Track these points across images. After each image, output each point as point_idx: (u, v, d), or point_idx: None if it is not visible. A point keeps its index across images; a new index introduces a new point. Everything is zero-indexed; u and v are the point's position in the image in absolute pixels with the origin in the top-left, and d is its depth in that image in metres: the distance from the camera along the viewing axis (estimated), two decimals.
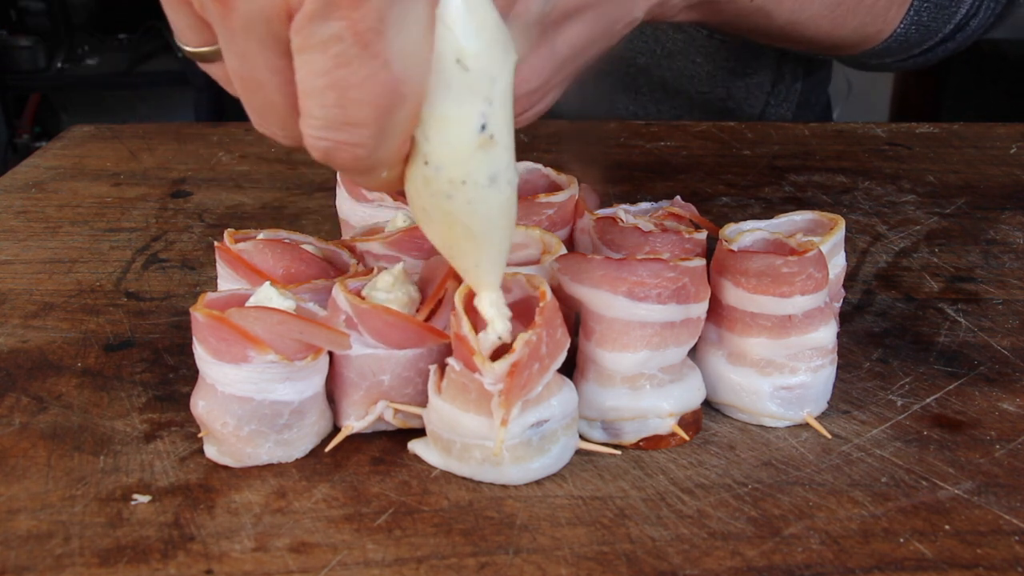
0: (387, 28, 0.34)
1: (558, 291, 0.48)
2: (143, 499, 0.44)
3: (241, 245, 0.53)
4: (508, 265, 0.49)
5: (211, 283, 0.64)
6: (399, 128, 0.37)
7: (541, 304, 0.43)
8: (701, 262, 0.47)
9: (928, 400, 0.52)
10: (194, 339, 0.46)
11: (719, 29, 0.77)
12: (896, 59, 0.86)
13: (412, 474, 0.46)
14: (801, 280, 0.48)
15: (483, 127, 0.37)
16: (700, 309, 0.48)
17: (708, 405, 0.51)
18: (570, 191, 0.58)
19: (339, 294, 0.46)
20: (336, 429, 0.49)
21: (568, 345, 0.45)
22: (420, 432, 0.47)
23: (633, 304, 0.46)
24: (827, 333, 0.49)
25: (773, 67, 0.97)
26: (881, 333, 0.59)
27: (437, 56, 0.36)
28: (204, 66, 0.42)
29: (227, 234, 0.53)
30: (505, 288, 0.46)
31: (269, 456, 0.46)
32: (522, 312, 0.46)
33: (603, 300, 0.46)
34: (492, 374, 0.42)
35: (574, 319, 0.49)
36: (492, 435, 0.44)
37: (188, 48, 0.41)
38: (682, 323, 0.47)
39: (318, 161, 0.39)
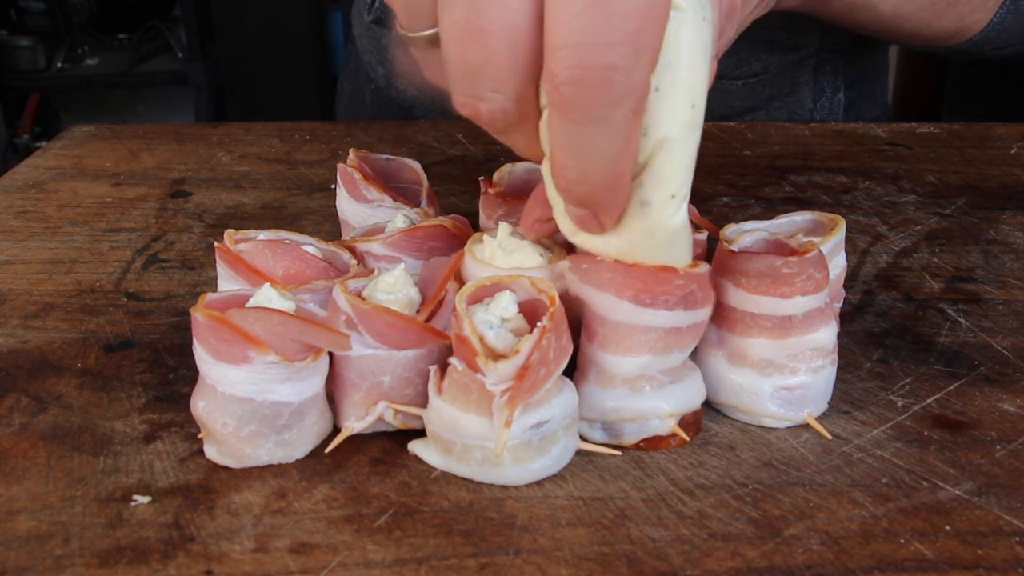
0: None
1: (564, 294, 0.47)
2: (143, 500, 0.44)
3: (241, 246, 0.53)
4: (513, 269, 0.49)
5: (211, 283, 0.64)
6: (651, 50, 0.38)
7: (551, 309, 0.43)
8: (706, 268, 0.47)
9: (928, 400, 0.52)
10: (194, 340, 0.46)
11: (825, 20, 0.78)
12: (993, 47, 0.86)
13: (412, 475, 0.46)
14: (801, 281, 0.48)
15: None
16: (705, 312, 0.47)
17: (708, 406, 0.51)
18: None
19: (339, 295, 0.46)
20: (336, 430, 0.49)
21: (572, 351, 0.45)
22: (420, 433, 0.47)
23: (639, 310, 0.45)
24: (827, 333, 0.49)
25: (811, 83, 0.97)
26: (881, 333, 0.59)
27: None
28: (415, 49, 0.44)
29: (227, 235, 0.53)
30: (511, 291, 0.46)
31: (269, 457, 0.46)
32: (527, 315, 0.46)
33: (608, 303, 0.46)
34: (495, 374, 0.42)
35: (575, 323, 0.49)
36: (493, 436, 0.44)
37: (410, 34, 0.43)
38: (688, 328, 0.47)
39: (564, 103, 0.38)
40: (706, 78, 0.41)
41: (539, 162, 0.44)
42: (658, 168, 0.42)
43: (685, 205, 0.43)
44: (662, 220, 0.43)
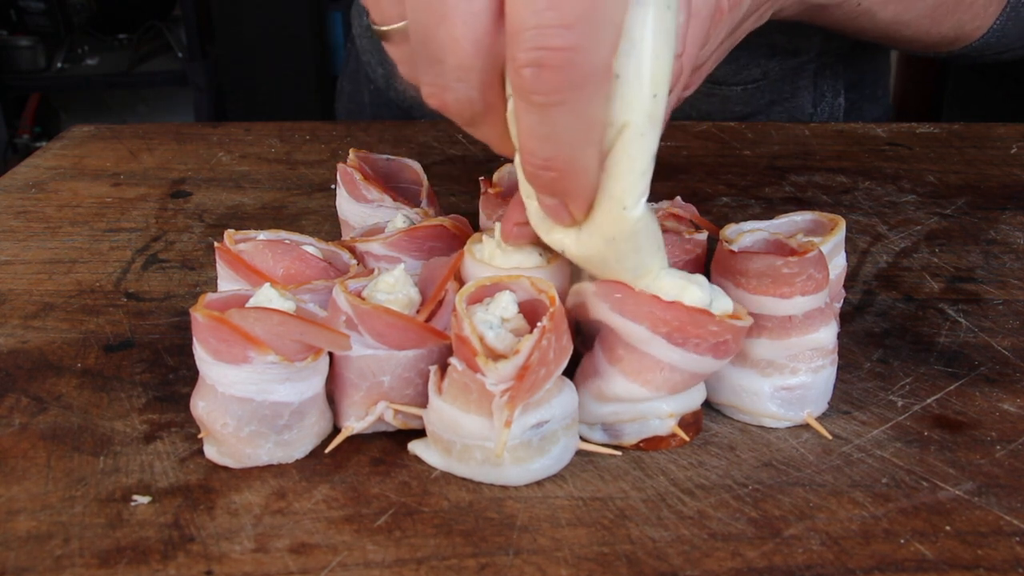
0: None
1: (581, 309, 0.47)
2: (143, 500, 0.44)
3: (241, 246, 0.53)
4: (513, 269, 0.49)
5: (211, 283, 0.64)
6: (611, 31, 0.37)
7: (551, 309, 0.43)
8: (749, 321, 0.46)
9: (928, 401, 0.52)
10: (194, 340, 0.46)
11: (826, 27, 0.78)
12: (993, 53, 0.86)
13: (412, 475, 0.46)
14: (801, 281, 0.48)
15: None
16: (726, 363, 0.47)
17: (708, 406, 0.51)
18: None
19: (339, 295, 0.46)
20: (336, 430, 0.49)
21: (571, 351, 0.45)
22: (420, 433, 0.47)
23: (670, 347, 0.45)
24: (827, 334, 0.49)
25: (811, 88, 0.97)
26: (881, 333, 0.59)
27: None
28: (388, 46, 0.45)
29: (227, 235, 0.53)
30: (511, 291, 0.46)
31: (269, 457, 0.46)
32: (527, 315, 0.46)
33: (640, 335, 0.45)
34: (495, 374, 0.42)
35: (574, 326, 0.49)
36: (493, 436, 0.44)
37: (381, 27, 0.44)
38: (708, 374, 0.47)
39: (525, 86, 0.38)
40: (669, 68, 0.40)
41: (512, 156, 0.44)
42: (616, 160, 0.41)
43: (643, 201, 0.42)
44: (619, 216, 0.42)
